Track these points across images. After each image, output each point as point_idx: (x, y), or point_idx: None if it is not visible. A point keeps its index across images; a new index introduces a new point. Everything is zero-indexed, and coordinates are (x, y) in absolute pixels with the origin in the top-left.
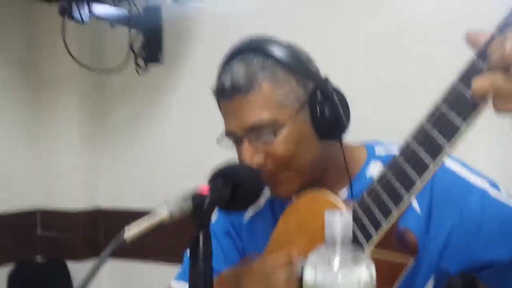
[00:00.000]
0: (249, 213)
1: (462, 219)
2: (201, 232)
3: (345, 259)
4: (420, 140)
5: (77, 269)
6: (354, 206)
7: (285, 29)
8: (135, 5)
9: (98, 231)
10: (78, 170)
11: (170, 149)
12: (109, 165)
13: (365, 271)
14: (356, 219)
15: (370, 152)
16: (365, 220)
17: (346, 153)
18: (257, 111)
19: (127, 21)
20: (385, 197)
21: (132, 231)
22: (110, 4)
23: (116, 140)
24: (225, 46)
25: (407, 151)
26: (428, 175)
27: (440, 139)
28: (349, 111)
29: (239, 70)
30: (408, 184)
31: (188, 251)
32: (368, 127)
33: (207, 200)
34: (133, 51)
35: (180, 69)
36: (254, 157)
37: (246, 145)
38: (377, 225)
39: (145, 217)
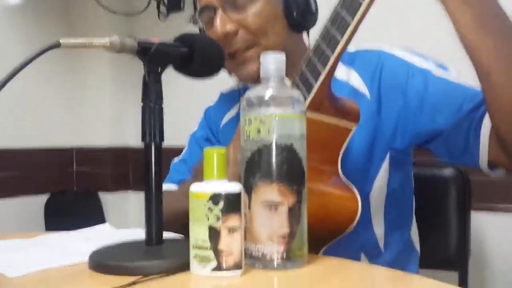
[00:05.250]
0: (225, 118)
1: (407, 99)
2: (150, 75)
3: (278, 91)
4: (342, 2)
5: (108, 200)
6: (295, 78)
7: None
8: None
9: (127, 166)
10: (109, 110)
11: (192, 90)
12: (137, 105)
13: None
14: (296, 88)
15: None
16: (301, 86)
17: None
18: None
19: None
20: (315, 60)
21: (69, 40)
22: None
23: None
24: None
25: (333, 16)
26: (349, 33)
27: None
28: (317, 8)
29: None
30: (334, 45)
31: (173, 160)
32: None
33: (154, 46)
34: None
35: None
36: (226, 25)
37: (220, 13)
38: (309, 87)
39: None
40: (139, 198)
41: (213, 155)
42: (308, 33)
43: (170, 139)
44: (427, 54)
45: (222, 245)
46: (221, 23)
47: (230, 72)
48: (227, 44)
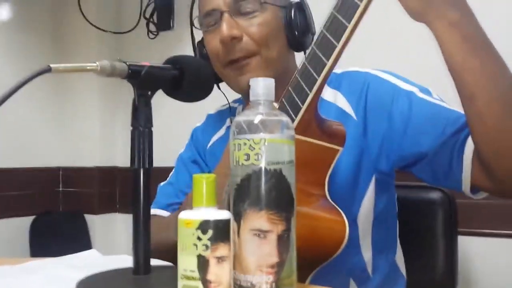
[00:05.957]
0: (212, 139)
1: (392, 120)
2: (140, 98)
3: (267, 116)
4: (328, 26)
5: (94, 221)
6: (281, 100)
7: None
8: None
9: (114, 187)
10: (97, 130)
11: (181, 111)
12: (126, 125)
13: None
14: (283, 110)
15: None
16: (289, 108)
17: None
18: None
19: None
20: (302, 82)
21: (60, 65)
22: None
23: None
24: None
25: (319, 39)
26: (335, 56)
27: (344, 20)
28: (314, 29)
29: None
30: (320, 67)
31: (160, 185)
32: None
33: (145, 69)
34: (145, 17)
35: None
36: (233, 29)
37: (227, 17)
38: (297, 109)
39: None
40: (126, 220)
41: (202, 182)
42: (305, 53)
43: (158, 161)
44: (411, 78)
45: (211, 275)
46: (228, 26)
47: (227, 81)
48: (230, 51)
